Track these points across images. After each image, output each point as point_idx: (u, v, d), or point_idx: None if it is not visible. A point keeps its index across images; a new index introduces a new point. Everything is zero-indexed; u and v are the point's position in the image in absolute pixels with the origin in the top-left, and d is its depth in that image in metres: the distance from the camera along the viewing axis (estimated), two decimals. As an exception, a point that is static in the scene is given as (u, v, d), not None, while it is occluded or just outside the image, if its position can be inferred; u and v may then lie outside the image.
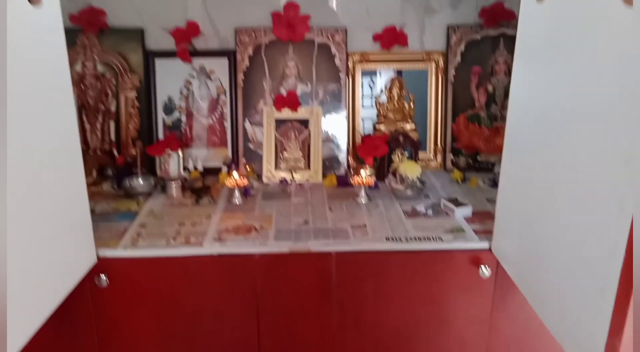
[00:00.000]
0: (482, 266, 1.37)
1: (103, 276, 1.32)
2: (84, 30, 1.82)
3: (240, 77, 1.89)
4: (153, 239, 1.40)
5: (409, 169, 1.66)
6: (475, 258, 1.38)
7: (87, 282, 1.33)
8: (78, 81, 1.84)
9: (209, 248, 1.36)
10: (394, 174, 1.72)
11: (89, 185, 1.37)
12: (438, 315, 1.44)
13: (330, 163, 1.91)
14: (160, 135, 1.90)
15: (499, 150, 1.88)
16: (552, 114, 1.01)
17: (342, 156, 1.91)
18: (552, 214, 1.02)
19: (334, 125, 1.91)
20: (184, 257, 1.36)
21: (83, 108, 1.85)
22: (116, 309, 1.38)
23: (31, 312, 1.02)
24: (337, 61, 1.89)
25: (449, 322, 1.44)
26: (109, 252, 1.34)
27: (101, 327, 1.40)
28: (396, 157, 1.83)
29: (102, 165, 1.85)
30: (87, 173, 1.67)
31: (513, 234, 1.23)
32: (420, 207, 1.59)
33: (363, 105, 1.97)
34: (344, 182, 1.82)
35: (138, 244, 1.37)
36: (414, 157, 1.83)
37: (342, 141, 1.91)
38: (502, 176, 1.28)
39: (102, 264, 1.33)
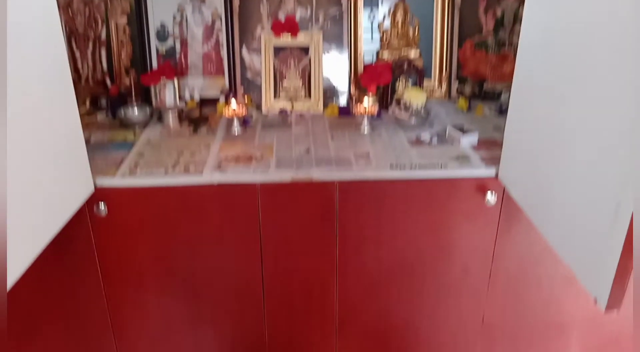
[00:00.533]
0: (488, 193, 1.34)
1: (102, 204, 1.30)
2: (68, -51, 1.70)
3: (236, 1, 1.79)
4: (151, 168, 1.36)
5: (414, 96, 1.60)
6: (481, 186, 1.35)
7: (86, 211, 1.31)
8: (65, 6, 1.74)
9: (209, 177, 1.33)
10: (398, 103, 1.66)
11: (82, 115, 1.32)
12: (442, 243, 1.43)
13: (331, 93, 1.84)
14: (154, 64, 1.82)
15: (506, 78, 1.83)
16: (568, 39, 0.95)
17: (344, 85, 1.85)
18: (564, 137, 0.98)
19: (335, 53, 1.83)
20: (184, 186, 1.33)
21: (72, 35, 1.76)
22: (117, 238, 1.37)
23: (30, 239, 1.00)
24: (338, -17, 1.79)
25: (452, 250, 1.43)
26: (107, 181, 1.30)
27: (102, 256, 1.39)
28: (400, 85, 1.76)
29: (95, 95, 1.79)
30: (80, 103, 1.61)
31: (522, 159, 1.20)
32: (425, 136, 1.55)
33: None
34: (345, 112, 1.76)
35: (136, 173, 1.34)
36: (418, 84, 1.77)
37: (344, 69, 1.84)
38: (512, 100, 1.23)
39: (100, 193, 1.30)
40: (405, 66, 1.76)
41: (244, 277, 1.45)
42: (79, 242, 1.35)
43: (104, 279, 1.42)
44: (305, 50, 1.79)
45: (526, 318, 1.54)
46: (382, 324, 1.53)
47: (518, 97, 1.21)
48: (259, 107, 1.80)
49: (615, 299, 0.80)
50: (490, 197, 1.35)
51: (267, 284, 1.45)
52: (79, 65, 1.78)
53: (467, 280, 1.47)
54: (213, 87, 1.85)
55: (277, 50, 1.79)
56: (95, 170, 1.31)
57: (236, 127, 1.60)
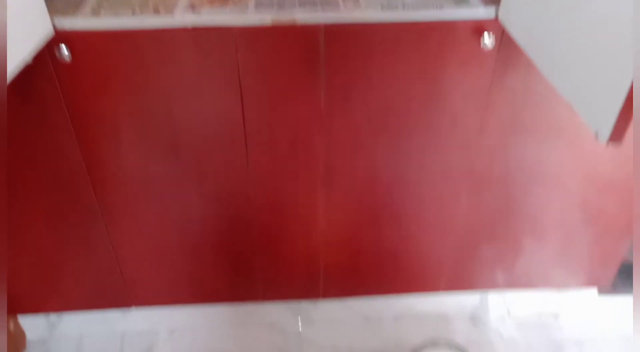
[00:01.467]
0: (485, 34, 1.24)
1: (64, 47, 1.18)
2: None
3: None
4: (116, 9, 1.23)
5: None
6: (478, 28, 1.25)
7: (48, 57, 1.20)
8: None
9: (181, 18, 1.20)
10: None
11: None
12: (432, 91, 1.35)
13: None
14: None
15: None
16: None
17: None
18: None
19: None
20: (155, 30, 1.21)
21: None
22: (85, 87, 1.28)
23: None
24: None
25: (443, 99, 1.37)
26: (68, 23, 1.18)
27: (72, 108, 1.30)
28: None
29: None
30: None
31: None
32: (419, -25, 1.41)
33: None
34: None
35: (100, 14, 1.21)
36: None
37: None
38: None
39: (61, 36, 1.18)
40: None
41: (226, 129, 1.39)
42: (45, 92, 1.26)
43: (77, 132, 1.35)
44: None
45: (515, 168, 1.52)
46: (369, 174, 1.51)
47: None
48: (234, -55, 1.61)
49: (618, 131, 0.76)
50: (487, 40, 1.26)
51: (249, 136, 1.40)
52: None
53: (458, 129, 1.43)
54: None
55: None
56: (54, 11, 1.18)
57: (210, -33, 1.43)
